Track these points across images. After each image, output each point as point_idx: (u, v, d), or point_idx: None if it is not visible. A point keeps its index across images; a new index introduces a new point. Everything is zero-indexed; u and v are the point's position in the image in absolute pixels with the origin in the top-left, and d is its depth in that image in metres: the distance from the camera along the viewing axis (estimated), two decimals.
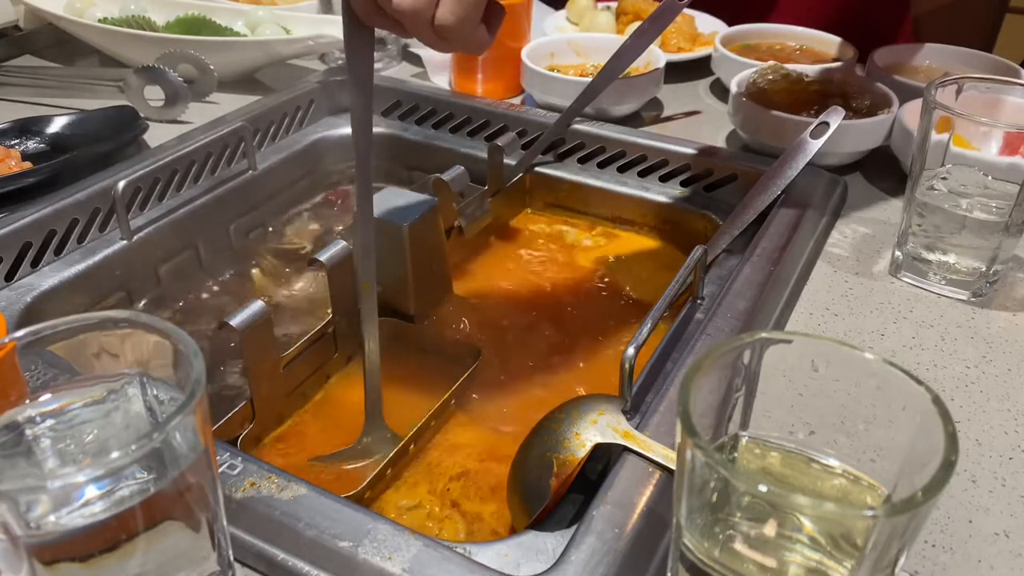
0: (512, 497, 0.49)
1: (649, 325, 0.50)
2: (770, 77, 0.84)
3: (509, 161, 0.80)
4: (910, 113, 0.75)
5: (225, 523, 0.36)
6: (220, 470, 0.44)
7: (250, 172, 0.79)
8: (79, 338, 0.34)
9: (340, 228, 0.83)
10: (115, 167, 0.73)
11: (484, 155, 0.78)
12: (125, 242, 0.68)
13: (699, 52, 1.03)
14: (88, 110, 0.83)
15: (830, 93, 0.81)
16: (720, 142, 0.85)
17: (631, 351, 0.48)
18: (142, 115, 0.81)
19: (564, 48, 0.97)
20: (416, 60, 1.03)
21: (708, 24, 1.10)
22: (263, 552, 0.41)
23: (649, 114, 0.92)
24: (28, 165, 0.74)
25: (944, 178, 0.60)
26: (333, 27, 0.95)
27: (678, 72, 1.00)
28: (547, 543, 0.43)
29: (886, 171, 0.79)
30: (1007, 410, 0.52)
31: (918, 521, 0.29)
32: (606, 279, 0.75)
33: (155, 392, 0.35)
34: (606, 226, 0.82)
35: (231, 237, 0.79)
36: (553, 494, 0.45)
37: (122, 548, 0.31)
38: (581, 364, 0.65)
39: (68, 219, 0.67)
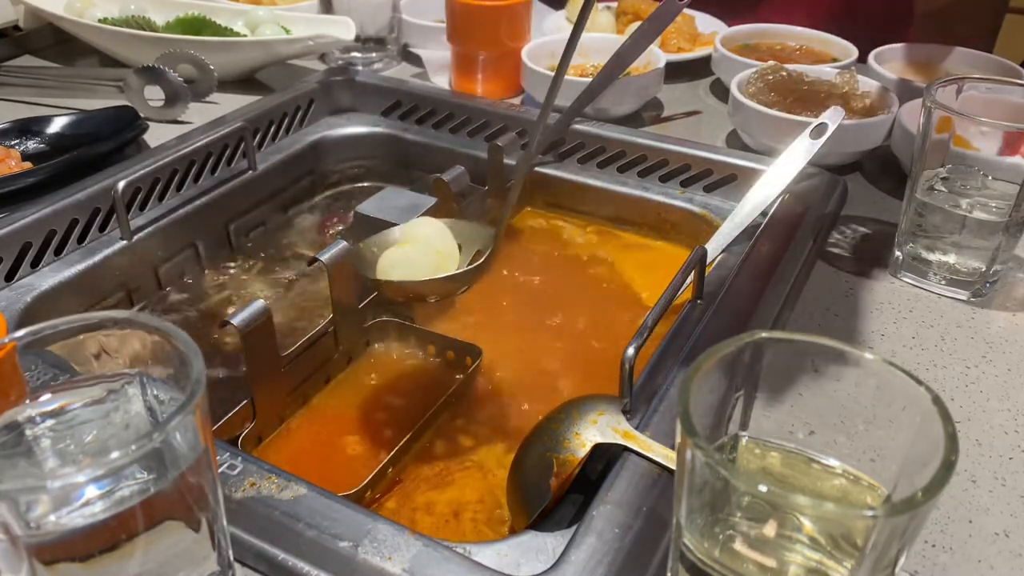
0: (512, 497, 0.49)
1: (649, 325, 0.50)
2: (770, 77, 0.84)
3: (509, 161, 0.80)
4: (910, 113, 0.75)
5: (225, 523, 0.36)
6: (220, 470, 0.44)
7: (250, 172, 0.79)
8: (79, 338, 0.34)
9: (340, 228, 0.83)
10: (115, 167, 0.73)
11: (484, 155, 0.78)
12: (125, 242, 0.68)
13: (699, 52, 1.03)
14: (88, 110, 0.83)
15: (830, 93, 0.81)
16: (720, 142, 0.85)
17: (631, 351, 0.48)
18: (142, 115, 0.81)
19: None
20: (416, 60, 1.03)
21: (708, 24, 1.10)
22: (263, 552, 0.41)
23: (649, 114, 0.92)
24: (28, 165, 0.74)
25: (944, 178, 0.60)
26: (333, 27, 0.95)
27: (678, 72, 1.00)
28: (547, 543, 0.43)
29: (886, 171, 0.79)
30: (1007, 410, 0.52)
31: (918, 521, 0.29)
32: (606, 279, 0.75)
33: (155, 392, 0.35)
34: (606, 226, 0.82)
35: (231, 237, 0.79)
36: (553, 494, 0.45)
37: (122, 548, 0.31)
38: (581, 364, 0.65)
39: (68, 219, 0.67)
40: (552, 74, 0.89)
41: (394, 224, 0.63)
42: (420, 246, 0.56)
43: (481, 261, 0.55)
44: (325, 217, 0.85)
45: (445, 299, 0.55)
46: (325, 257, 0.59)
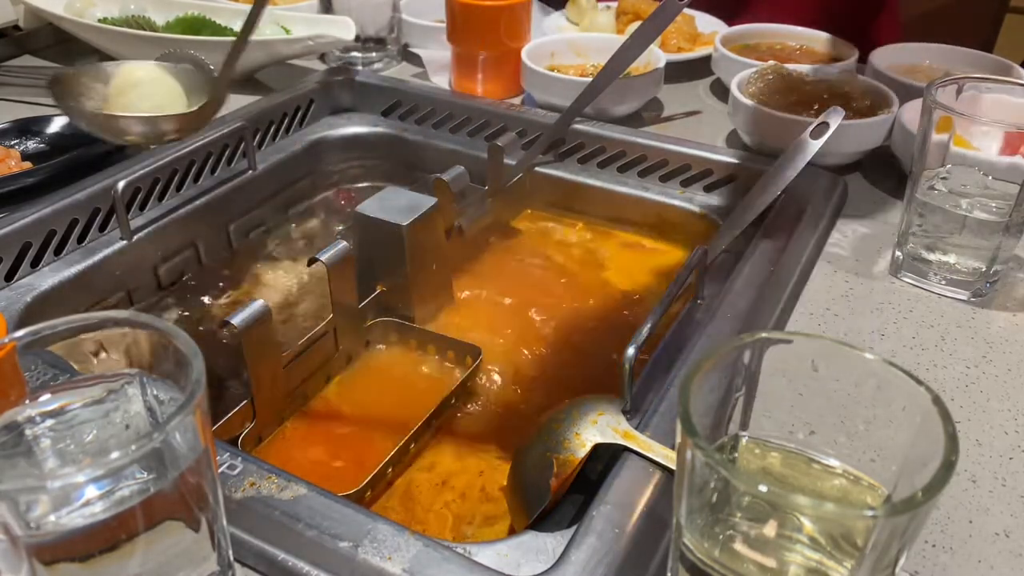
0: (512, 497, 0.49)
1: (649, 325, 0.50)
2: (770, 77, 0.84)
3: (509, 161, 0.80)
4: (910, 113, 0.75)
5: (225, 523, 0.36)
6: (220, 470, 0.44)
7: (250, 172, 0.79)
8: (79, 338, 0.34)
9: (340, 228, 0.83)
10: (115, 167, 0.73)
11: (484, 155, 0.78)
12: (125, 242, 0.68)
13: (699, 52, 1.03)
14: None
15: (830, 93, 0.81)
16: (720, 142, 0.85)
17: (631, 351, 0.48)
18: None
19: (564, 48, 0.97)
20: (416, 60, 1.03)
21: (708, 24, 1.10)
22: (263, 552, 0.41)
23: (649, 114, 0.92)
24: (28, 165, 0.74)
25: (944, 178, 0.60)
26: (333, 27, 0.94)
27: (678, 72, 1.00)
28: (547, 543, 0.43)
29: (886, 171, 0.79)
30: (1007, 410, 0.52)
31: (918, 521, 0.29)
32: (606, 279, 0.75)
33: (155, 392, 0.35)
34: (606, 226, 0.82)
35: (231, 237, 0.79)
36: (553, 494, 0.45)
37: (122, 548, 0.31)
38: (581, 364, 0.65)
39: (68, 219, 0.67)
40: (553, 75, 0.89)
41: (394, 223, 0.63)
42: (138, 87, 0.56)
43: (200, 107, 0.56)
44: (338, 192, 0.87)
45: (159, 142, 0.57)
46: (325, 257, 0.59)
